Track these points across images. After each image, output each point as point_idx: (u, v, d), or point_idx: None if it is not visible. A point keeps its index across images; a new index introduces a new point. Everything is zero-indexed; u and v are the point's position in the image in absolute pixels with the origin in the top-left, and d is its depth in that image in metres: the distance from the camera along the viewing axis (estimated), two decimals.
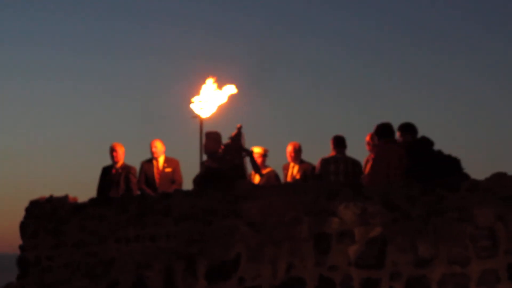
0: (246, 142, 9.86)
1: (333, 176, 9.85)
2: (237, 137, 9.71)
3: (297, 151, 10.88)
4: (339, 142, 10.15)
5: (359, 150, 10.35)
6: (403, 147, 8.70)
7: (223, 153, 9.62)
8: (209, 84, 10.52)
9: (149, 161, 11.14)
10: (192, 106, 10.42)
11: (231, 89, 10.49)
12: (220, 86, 10.52)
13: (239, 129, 9.74)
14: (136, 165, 11.17)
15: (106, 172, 11.05)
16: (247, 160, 9.92)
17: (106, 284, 8.99)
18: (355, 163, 10.18)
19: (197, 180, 9.53)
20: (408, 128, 8.89)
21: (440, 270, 7.36)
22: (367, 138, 10.18)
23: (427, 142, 8.52)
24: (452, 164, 8.27)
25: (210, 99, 10.44)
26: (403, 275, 7.47)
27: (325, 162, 10.01)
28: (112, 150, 11.06)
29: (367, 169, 10.00)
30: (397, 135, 8.94)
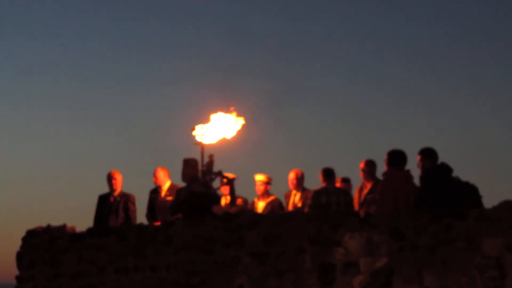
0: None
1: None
2: (210, 165, 9.85)
3: (299, 179, 10.75)
4: (328, 174, 10.14)
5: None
6: (410, 174, 8.61)
7: (203, 179, 9.71)
8: (223, 116, 10.47)
9: (155, 190, 11.03)
10: (194, 133, 10.32)
11: (239, 122, 10.46)
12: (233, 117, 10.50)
13: (211, 157, 9.89)
14: (138, 194, 11.03)
15: (103, 200, 10.90)
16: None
17: None
18: (345, 193, 10.17)
19: (177, 206, 9.47)
20: (429, 154, 8.77)
21: None
22: (361, 165, 10.12)
23: (445, 169, 8.41)
24: (469, 191, 8.17)
25: (215, 128, 10.36)
26: None
27: (316, 194, 9.97)
28: (111, 177, 10.92)
29: (362, 196, 9.94)
30: (418, 158, 8.82)
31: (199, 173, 9.72)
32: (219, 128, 10.36)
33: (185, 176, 9.74)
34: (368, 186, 10.13)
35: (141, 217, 10.83)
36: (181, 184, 10.18)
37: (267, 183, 10.98)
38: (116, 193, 10.82)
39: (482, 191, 8.29)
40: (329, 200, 9.87)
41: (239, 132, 10.49)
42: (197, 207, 9.20)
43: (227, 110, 10.39)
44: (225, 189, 10.60)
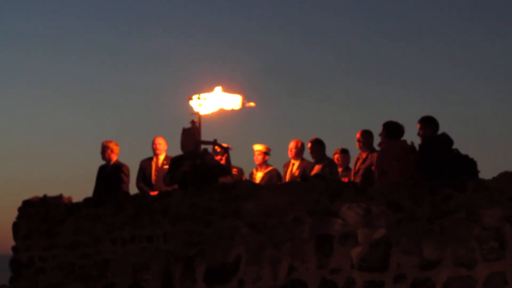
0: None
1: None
2: (197, 132, 9.72)
3: (299, 148, 10.69)
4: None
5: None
6: (407, 145, 8.54)
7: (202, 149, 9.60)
8: (218, 91, 10.36)
9: (149, 159, 10.95)
10: (191, 103, 10.21)
11: (239, 100, 10.37)
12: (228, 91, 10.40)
13: (193, 124, 9.74)
14: (134, 164, 10.95)
15: (102, 171, 10.81)
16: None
17: (101, 287, 8.77)
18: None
19: (180, 176, 9.31)
20: (429, 122, 8.67)
21: (446, 272, 7.19)
22: (357, 135, 10.05)
23: (446, 140, 8.34)
24: (468, 165, 8.11)
25: (212, 100, 10.27)
26: (407, 278, 7.30)
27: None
28: (104, 148, 10.81)
29: (357, 166, 9.88)
30: (418, 127, 8.73)
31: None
32: (218, 100, 10.27)
33: (184, 146, 9.59)
34: (364, 156, 10.07)
35: (133, 187, 10.77)
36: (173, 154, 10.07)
37: (266, 153, 10.91)
38: (111, 163, 10.74)
39: (481, 164, 8.26)
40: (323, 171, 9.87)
41: (241, 108, 10.41)
42: (206, 179, 9.00)
43: (233, 90, 10.30)
44: (219, 159, 10.50)
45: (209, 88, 10.30)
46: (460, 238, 7.19)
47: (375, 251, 7.43)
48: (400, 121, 8.95)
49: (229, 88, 10.42)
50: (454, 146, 8.43)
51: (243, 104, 10.38)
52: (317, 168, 9.91)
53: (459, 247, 7.17)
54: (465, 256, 7.14)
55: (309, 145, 10.28)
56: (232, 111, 10.55)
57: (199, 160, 9.31)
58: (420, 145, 8.54)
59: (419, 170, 8.11)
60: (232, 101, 10.43)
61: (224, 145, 9.99)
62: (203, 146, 9.74)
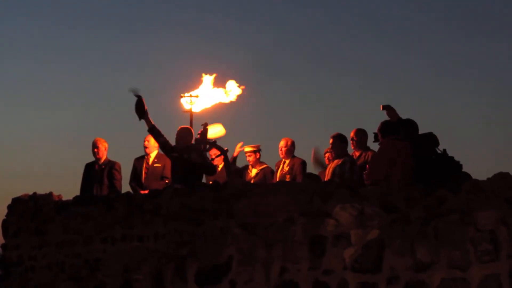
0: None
1: None
2: (204, 134, 9.72)
3: (289, 147, 10.64)
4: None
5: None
6: (410, 144, 8.46)
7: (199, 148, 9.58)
8: (207, 81, 10.31)
9: (141, 158, 10.88)
10: (182, 100, 10.18)
11: (235, 88, 10.32)
12: (218, 84, 10.36)
13: (205, 126, 9.75)
14: (125, 163, 10.89)
15: (89, 168, 10.72)
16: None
17: (91, 287, 8.69)
18: None
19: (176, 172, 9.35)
20: (410, 124, 8.63)
21: (440, 275, 7.12)
22: (351, 134, 9.98)
23: (432, 140, 8.28)
24: (453, 167, 8.04)
25: (204, 95, 10.23)
26: (401, 280, 7.23)
27: None
28: (94, 145, 10.75)
29: None
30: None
31: (193, 141, 9.61)
32: (207, 95, 10.24)
33: (178, 142, 9.63)
34: (357, 154, 10.01)
35: (126, 185, 10.71)
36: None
37: (255, 151, 10.88)
38: (101, 161, 10.65)
39: (475, 164, 8.22)
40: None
41: (233, 102, 10.38)
42: (190, 176, 9.10)
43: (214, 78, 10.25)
44: (218, 160, 10.52)
45: (198, 82, 10.28)
46: (454, 240, 7.12)
47: (368, 252, 7.36)
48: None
49: (218, 81, 10.40)
50: (441, 147, 8.40)
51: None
52: (335, 163, 9.68)
53: (453, 249, 7.11)
54: (459, 258, 7.08)
55: (330, 140, 9.95)
56: (224, 104, 10.53)
57: (186, 154, 9.32)
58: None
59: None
60: (221, 94, 10.40)
61: (225, 148, 10.04)
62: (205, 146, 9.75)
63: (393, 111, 8.66)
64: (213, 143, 9.88)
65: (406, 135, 8.54)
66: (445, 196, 7.27)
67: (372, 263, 7.34)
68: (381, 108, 8.74)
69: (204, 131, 9.77)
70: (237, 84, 10.41)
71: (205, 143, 9.77)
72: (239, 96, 10.45)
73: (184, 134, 9.62)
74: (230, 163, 10.29)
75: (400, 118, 8.61)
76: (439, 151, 8.29)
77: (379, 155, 8.68)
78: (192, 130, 9.91)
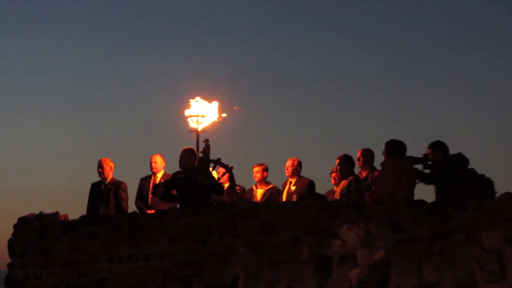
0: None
1: None
2: (207, 151, 9.73)
3: (295, 166, 10.62)
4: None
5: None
6: (412, 164, 8.48)
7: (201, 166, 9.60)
8: (199, 101, 10.40)
9: (147, 177, 10.85)
10: (188, 120, 10.23)
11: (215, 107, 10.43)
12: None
13: (206, 142, 9.76)
14: (131, 182, 10.87)
15: (96, 188, 10.72)
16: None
17: None
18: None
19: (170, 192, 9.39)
20: (439, 146, 8.65)
21: None
22: (358, 154, 9.96)
23: (462, 160, 8.29)
24: (484, 185, 8.06)
25: (204, 114, 10.30)
26: None
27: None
28: (99, 165, 10.73)
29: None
30: (428, 152, 8.69)
31: (197, 162, 9.60)
32: (206, 114, 10.30)
33: (182, 164, 9.62)
34: (364, 175, 9.99)
35: (132, 205, 10.69)
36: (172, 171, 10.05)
37: (264, 169, 10.86)
38: (107, 181, 10.65)
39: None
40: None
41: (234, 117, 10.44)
42: (199, 197, 9.06)
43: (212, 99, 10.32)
44: (225, 178, 10.51)
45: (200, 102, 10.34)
46: (460, 260, 7.11)
47: (374, 272, 7.35)
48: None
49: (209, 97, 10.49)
50: (470, 166, 8.41)
51: (231, 111, 10.41)
52: (342, 184, 9.67)
53: (459, 269, 7.10)
54: (465, 278, 7.07)
55: (336, 161, 9.84)
56: (228, 126, 10.59)
57: (192, 176, 9.31)
58: (432, 168, 8.48)
59: (436, 192, 8.07)
60: (216, 111, 10.49)
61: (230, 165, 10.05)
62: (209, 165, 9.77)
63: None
64: (218, 161, 9.88)
65: (434, 156, 8.52)
66: (450, 215, 7.26)
67: (378, 283, 7.32)
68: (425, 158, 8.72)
69: (207, 148, 9.77)
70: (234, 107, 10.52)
71: (209, 161, 9.78)
72: (238, 115, 10.53)
73: (188, 155, 9.62)
74: (234, 181, 10.30)
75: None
76: (469, 171, 8.32)
77: (384, 174, 8.66)
78: (196, 151, 9.91)
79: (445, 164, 8.33)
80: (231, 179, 10.12)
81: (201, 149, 9.99)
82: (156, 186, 9.80)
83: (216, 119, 10.47)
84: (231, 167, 10.19)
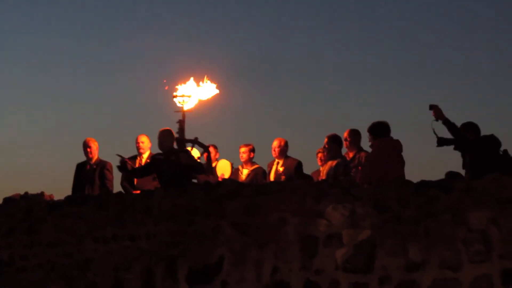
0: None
1: None
2: (181, 131, 9.71)
3: (282, 147, 10.61)
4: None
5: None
6: (400, 144, 8.48)
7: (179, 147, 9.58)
8: (192, 82, 10.33)
9: (133, 158, 10.81)
10: (174, 100, 10.17)
11: (212, 88, 10.34)
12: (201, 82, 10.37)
13: (180, 122, 9.73)
14: (116, 162, 10.82)
15: (81, 168, 10.68)
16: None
17: (83, 287, 8.64)
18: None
19: (164, 175, 9.35)
20: (471, 127, 8.66)
21: (431, 274, 7.12)
22: (345, 134, 9.95)
23: (495, 141, 8.30)
24: None
25: (192, 94, 10.23)
26: (392, 280, 7.23)
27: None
28: (86, 145, 10.70)
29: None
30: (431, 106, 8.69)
31: (173, 142, 9.60)
32: (195, 93, 10.24)
33: (162, 145, 9.61)
34: (351, 155, 9.98)
35: (118, 185, 10.66)
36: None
37: (251, 150, 10.85)
38: (93, 161, 10.61)
39: None
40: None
41: (215, 97, 10.39)
42: (180, 178, 9.06)
43: (200, 78, 10.27)
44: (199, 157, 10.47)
45: (183, 80, 10.29)
46: (446, 240, 7.12)
47: (360, 252, 7.35)
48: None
49: (202, 77, 10.41)
50: (503, 147, 8.43)
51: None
52: (329, 164, 9.63)
53: (444, 249, 7.11)
54: (451, 258, 7.08)
55: (325, 140, 9.85)
56: (213, 106, 10.53)
57: (173, 157, 9.28)
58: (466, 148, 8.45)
59: (467, 171, 8.07)
60: (207, 91, 10.42)
61: (210, 146, 10.00)
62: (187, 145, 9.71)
63: (439, 111, 8.58)
64: (195, 141, 9.83)
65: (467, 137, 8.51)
66: (437, 196, 7.25)
67: (363, 263, 7.32)
68: (429, 108, 8.66)
69: (181, 128, 9.74)
70: (213, 83, 10.44)
71: (186, 141, 9.75)
72: (219, 94, 10.47)
73: (166, 136, 9.58)
74: (211, 160, 10.29)
75: (447, 119, 8.55)
76: (500, 152, 8.34)
77: (375, 155, 8.66)
78: (173, 132, 9.83)
79: (477, 144, 8.34)
80: (209, 158, 10.10)
81: (176, 130, 9.92)
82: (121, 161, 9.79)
83: (203, 99, 10.40)
84: (209, 146, 10.16)
